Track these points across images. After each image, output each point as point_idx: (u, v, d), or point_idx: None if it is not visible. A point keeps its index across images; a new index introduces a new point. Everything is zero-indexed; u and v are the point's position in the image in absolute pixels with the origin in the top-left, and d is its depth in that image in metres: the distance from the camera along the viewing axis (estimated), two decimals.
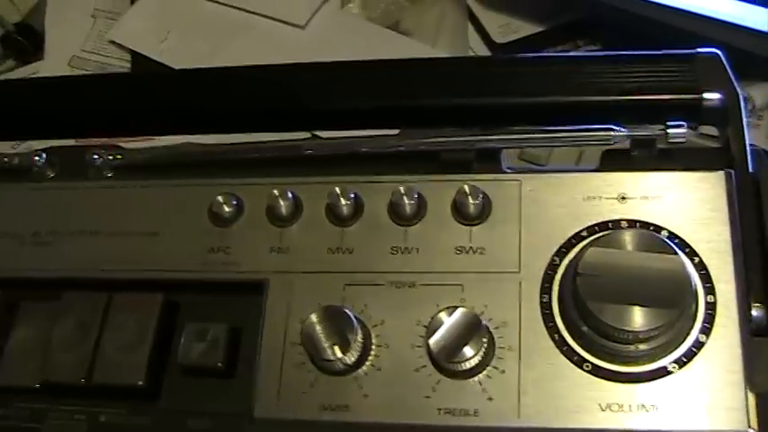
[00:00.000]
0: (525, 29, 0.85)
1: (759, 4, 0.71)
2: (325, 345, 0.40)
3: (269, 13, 0.85)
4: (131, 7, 0.88)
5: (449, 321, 0.40)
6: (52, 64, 0.84)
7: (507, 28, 0.84)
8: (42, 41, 0.87)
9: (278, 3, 0.85)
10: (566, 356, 0.41)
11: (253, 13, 0.86)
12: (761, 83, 0.76)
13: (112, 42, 0.86)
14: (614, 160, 0.46)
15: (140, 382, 0.44)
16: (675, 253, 0.40)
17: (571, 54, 0.48)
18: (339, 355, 0.40)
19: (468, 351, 0.39)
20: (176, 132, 0.50)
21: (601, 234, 0.42)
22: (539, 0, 0.85)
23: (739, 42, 0.73)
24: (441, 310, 0.40)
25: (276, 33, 0.85)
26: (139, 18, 0.86)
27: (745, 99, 0.69)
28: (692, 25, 0.75)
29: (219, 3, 0.86)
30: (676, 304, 0.39)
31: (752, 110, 0.75)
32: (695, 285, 0.40)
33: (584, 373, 0.41)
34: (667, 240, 0.41)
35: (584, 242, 0.42)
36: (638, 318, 0.39)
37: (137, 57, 0.85)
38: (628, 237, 0.40)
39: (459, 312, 0.40)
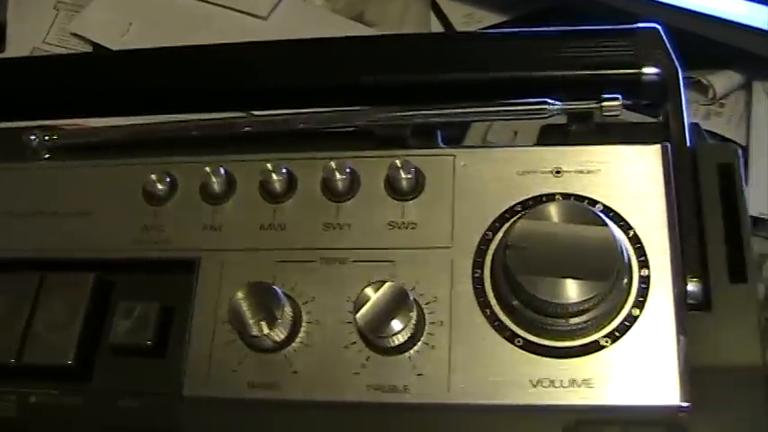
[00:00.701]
0: (488, 19, 0.84)
1: None
2: (252, 321, 0.40)
3: (231, 4, 0.85)
4: (93, 0, 0.87)
5: (375, 296, 0.39)
6: (13, 56, 0.83)
7: (470, 18, 0.84)
8: (4, 33, 0.86)
9: None
10: (497, 331, 0.40)
11: (215, 4, 0.85)
12: (722, 70, 0.76)
13: (74, 35, 0.85)
14: (552, 135, 0.46)
15: (70, 362, 0.43)
16: (606, 224, 0.39)
17: (509, 30, 0.48)
18: (266, 331, 0.40)
19: (395, 325, 0.39)
20: (113, 114, 0.49)
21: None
22: None
23: (703, 30, 0.72)
24: (367, 286, 0.39)
25: (238, 25, 0.84)
26: (101, 10, 0.86)
27: (695, 80, 0.69)
28: (658, 14, 0.75)
29: None
30: (607, 276, 0.38)
31: (713, 97, 0.75)
32: (628, 258, 0.40)
33: (516, 349, 0.40)
34: (598, 212, 0.40)
35: (517, 216, 0.41)
36: (568, 290, 0.38)
37: (98, 49, 0.84)
38: (558, 209, 0.40)
39: (385, 286, 0.39)
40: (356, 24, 0.85)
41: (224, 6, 0.85)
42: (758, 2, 0.69)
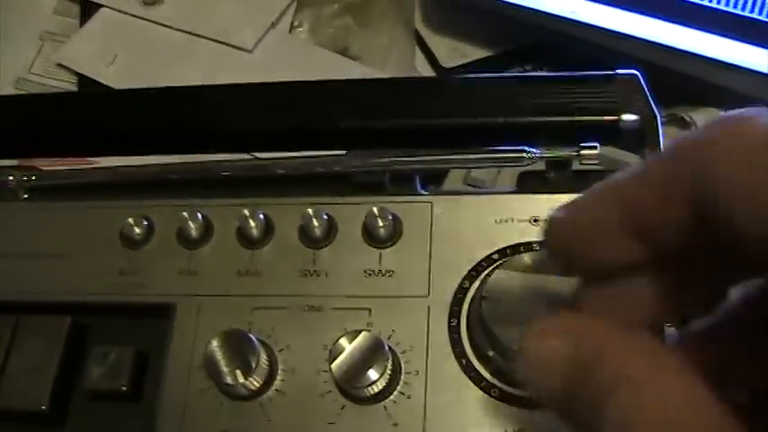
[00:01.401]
0: (474, 53, 0.84)
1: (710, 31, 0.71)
2: (227, 369, 0.40)
3: (216, 36, 0.85)
4: (79, 30, 0.87)
5: (351, 346, 0.39)
6: None
7: (455, 52, 0.84)
8: None
9: (225, 27, 0.85)
10: (473, 382, 0.40)
11: (200, 36, 0.85)
12: (705, 107, 0.76)
13: (59, 65, 0.85)
14: (530, 182, 0.46)
15: (43, 407, 0.43)
16: None
17: (488, 75, 0.48)
18: (241, 379, 0.40)
19: (371, 375, 0.39)
20: (92, 154, 0.49)
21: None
22: (487, 25, 0.84)
23: (685, 68, 0.73)
24: (343, 335, 0.39)
25: (224, 57, 0.84)
26: (87, 41, 0.86)
27: (678, 117, 0.69)
28: (641, 52, 0.75)
29: (167, 26, 0.86)
30: None
31: None
32: None
33: (492, 399, 0.40)
34: None
35: (495, 265, 0.41)
36: None
37: (83, 79, 0.84)
38: (533, 259, 0.39)
39: (361, 336, 0.39)
40: (341, 58, 0.85)
41: (209, 39, 0.85)
42: (741, 41, 0.69)
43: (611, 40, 0.76)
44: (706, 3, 0.71)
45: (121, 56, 0.84)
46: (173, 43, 0.85)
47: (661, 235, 0.27)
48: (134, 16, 0.86)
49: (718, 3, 0.71)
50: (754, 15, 0.68)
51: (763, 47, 0.69)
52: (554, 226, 0.30)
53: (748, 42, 0.70)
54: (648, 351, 0.27)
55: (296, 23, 0.87)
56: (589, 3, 0.76)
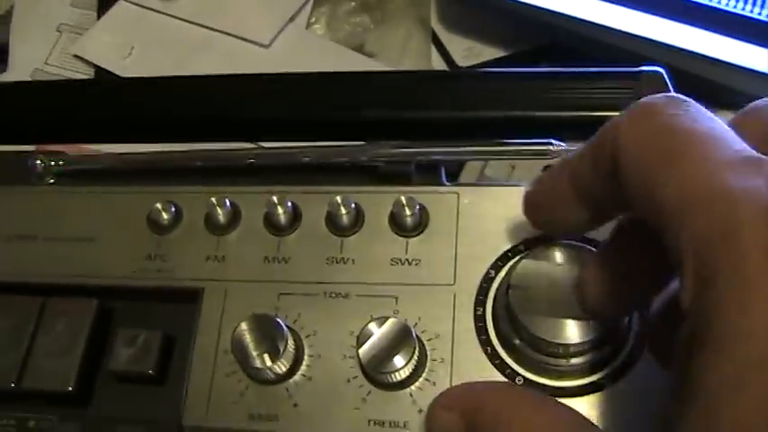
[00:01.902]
0: (489, 53, 0.85)
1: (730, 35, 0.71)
2: (255, 353, 0.40)
3: (233, 31, 0.85)
4: (97, 22, 0.87)
5: (379, 332, 0.39)
6: (14, 77, 0.84)
7: (471, 51, 0.85)
8: (7, 54, 0.86)
9: (242, 21, 0.86)
10: (498, 369, 0.40)
11: (217, 30, 0.86)
12: (724, 111, 0.77)
13: (76, 57, 0.86)
14: None
15: (70, 388, 0.43)
16: None
17: (515, 70, 0.48)
18: (269, 363, 0.40)
19: (398, 361, 0.39)
20: (117, 141, 0.50)
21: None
22: (503, 25, 0.85)
23: (706, 72, 0.73)
24: (371, 321, 0.40)
25: (240, 52, 0.85)
26: (104, 33, 0.86)
27: None
28: (657, 55, 0.76)
29: (184, 20, 0.86)
30: None
31: None
32: None
33: None
34: None
35: (521, 256, 0.42)
36: (569, 331, 0.38)
37: (100, 71, 0.84)
38: (561, 250, 0.40)
39: (389, 322, 0.40)
40: (357, 55, 0.85)
41: (226, 33, 0.85)
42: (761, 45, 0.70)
43: (626, 42, 0.77)
44: (723, 6, 0.71)
45: (138, 49, 0.85)
46: (189, 38, 0.85)
47: (602, 199, 0.34)
48: (152, 10, 0.87)
49: (735, 6, 0.72)
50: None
51: None
52: (526, 197, 0.38)
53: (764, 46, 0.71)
54: (512, 395, 0.36)
55: (312, 20, 0.87)
56: (603, 3, 0.77)
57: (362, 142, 0.48)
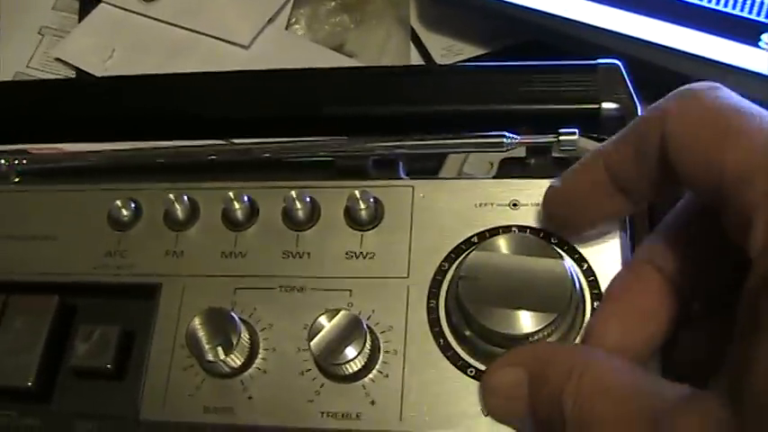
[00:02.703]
0: (468, 51, 0.85)
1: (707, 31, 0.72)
2: (208, 346, 0.40)
3: (213, 32, 0.86)
4: (78, 25, 0.88)
5: (330, 324, 0.40)
6: None
7: (450, 50, 0.85)
8: None
9: (222, 23, 0.86)
10: (450, 361, 0.41)
11: (197, 32, 0.86)
12: None
13: (58, 59, 0.86)
14: (511, 168, 0.46)
15: (30, 383, 0.43)
16: (559, 257, 0.40)
17: (471, 64, 0.48)
18: (222, 356, 0.40)
19: (349, 352, 0.39)
20: (81, 140, 0.50)
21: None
22: (482, 23, 0.85)
23: (676, 66, 0.74)
24: (322, 314, 0.40)
25: (220, 53, 0.85)
26: (85, 36, 0.87)
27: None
28: (636, 51, 0.76)
29: (164, 22, 0.87)
30: (559, 308, 0.39)
31: None
32: (581, 290, 0.41)
33: (469, 379, 0.40)
34: (551, 244, 0.41)
35: (473, 248, 0.42)
36: (520, 321, 0.39)
37: (81, 74, 0.85)
38: (512, 241, 0.40)
39: (340, 315, 0.40)
40: (336, 55, 0.86)
41: (206, 35, 0.86)
42: (729, 38, 0.70)
43: (605, 39, 0.77)
44: (705, 3, 0.72)
45: (119, 51, 0.85)
46: (170, 39, 0.86)
47: (640, 186, 0.37)
48: (132, 12, 0.87)
49: (717, 3, 0.72)
50: (744, 14, 0.69)
51: (748, 44, 0.70)
52: (552, 193, 0.41)
53: (735, 40, 0.71)
54: (582, 350, 0.38)
55: (293, 20, 0.88)
56: (583, 1, 0.77)
57: (322, 138, 0.48)
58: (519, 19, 0.81)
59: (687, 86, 0.35)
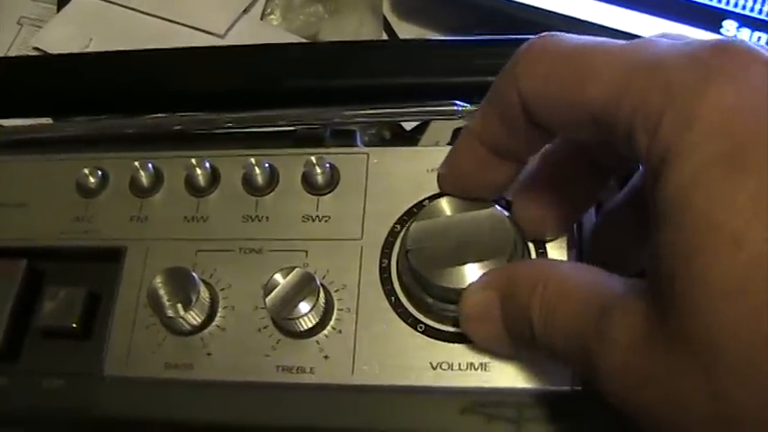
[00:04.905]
0: None
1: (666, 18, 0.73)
2: (168, 303, 0.42)
3: (189, 22, 0.87)
4: (56, 15, 0.89)
5: (284, 281, 0.41)
6: None
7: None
8: None
9: (198, 12, 0.88)
10: (401, 318, 0.43)
11: (173, 21, 0.88)
12: None
13: (36, 49, 0.87)
14: None
15: None
16: (492, 205, 0.42)
17: (427, 39, 0.50)
18: (181, 312, 0.42)
19: (303, 307, 0.41)
20: (51, 115, 0.52)
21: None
22: (454, 13, 0.87)
23: None
24: (277, 272, 0.42)
25: (196, 42, 0.87)
26: (63, 25, 0.88)
27: None
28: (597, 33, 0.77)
29: (141, 12, 0.88)
30: (505, 251, 0.41)
31: None
32: (520, 233, 0.43)
33: (418, 334, 0.42)
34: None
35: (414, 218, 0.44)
36: (472, 274, 0.40)
37: None
38: (445, 204, 0.42)
39: (293, 272, 0.42)
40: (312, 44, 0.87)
41: (182, 24, 0.87)
42: (680, 22, 0.72)
43: (575, 27, 0.78)
44: None
45: (96, 41, 0.86)
46: (146, 28, 0.87)
47: (519, 149, 0.38)
48: (109, 2, 0.89)
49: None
50: (705, 1, 0.71)
51: (710, 31, 0.72)
52: (442, 177, 0.42)
53: (697, 27, 0.73)
54: (545, 263, 0.40)
55: (268, 11, 0.89)
56: None
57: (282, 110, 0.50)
58: (490, 8, 0.82)
59: (529, 42, 0.35)
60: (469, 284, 0.40)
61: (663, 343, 0.30)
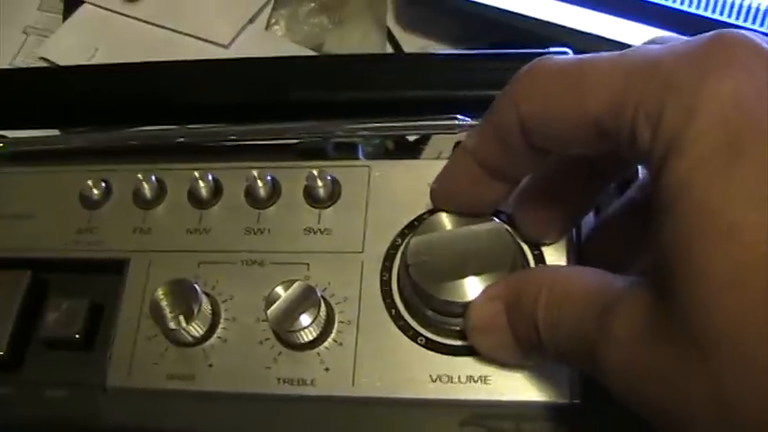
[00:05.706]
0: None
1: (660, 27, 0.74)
2: (170, 314, 0.42)
3: (194, 32, 0.88)
4: (62, 25, 0.90)
5: (285, 294, 0.42)
6: None
7: (425, 51, 0.87)
8: None
9: (203, 22, 0.88)
10: (402, 331, 0.43)
11: (178, 32, 0.88)
12: None
13: (42, 58, 0.88)
14: None
15: (2, 353, 0.45)
16: (491, 219, 0.42)
17: (430, 53, 0.50)
18: (183, 324, 0.42)
19: (304, 320, 0.41)
20: (55, 126, 0.52)
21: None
22: (458, 24, 0.87)
23: None
24: (278, 284, 0.42)
25: (200, 52, 0.87)
26: (69, 35, 0.89)
27: None
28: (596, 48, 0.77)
29: (146, 22, 0.89)
30: (505, 264, 0.41)
31: None
32: (519, 246, 0.43)
33: (419, 347, 0.42)
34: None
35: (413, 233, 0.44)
36: (473, 288, 0.40)
37: None
38: (445, 217, 0.42)
39: (295, 285, 0.42)
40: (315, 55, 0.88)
41: (187, 34, 0.88)
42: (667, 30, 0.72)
43: (581, 42, 0.79)
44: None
45: (102, 50, 0.87)
46: (152, 39, 0.88)
47: (514, 170, 0.39)
48: (115, 12, 0.89)
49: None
50: (691, 10, 0.71)
51: None
52: (434, 192, 0.43)
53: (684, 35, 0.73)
54: (548, 269, 0.41)
55: (272, 21, 0.90)
56: (559, 3, 0.79)
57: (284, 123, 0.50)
58: (493, 20, 0.83)
59: (524, 67, 0.36)
60: (474, 298, 0.40)
61: (664, 336, 0.30)
